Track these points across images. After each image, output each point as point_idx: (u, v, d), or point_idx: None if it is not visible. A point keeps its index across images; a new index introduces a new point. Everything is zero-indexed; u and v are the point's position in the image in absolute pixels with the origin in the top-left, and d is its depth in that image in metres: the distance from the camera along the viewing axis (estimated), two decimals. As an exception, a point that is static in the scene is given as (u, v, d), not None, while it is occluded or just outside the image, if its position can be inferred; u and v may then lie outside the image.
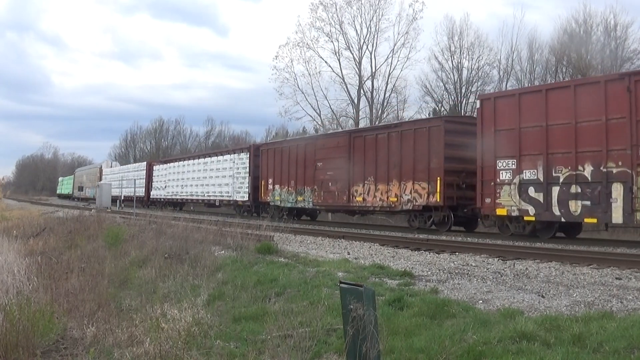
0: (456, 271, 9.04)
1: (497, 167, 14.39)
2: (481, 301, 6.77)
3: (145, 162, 43.53)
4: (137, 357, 5.92)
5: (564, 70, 29.23)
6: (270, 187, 24.45)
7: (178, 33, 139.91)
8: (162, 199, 37.58)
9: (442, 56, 33.62)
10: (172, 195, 36.10)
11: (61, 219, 23.94)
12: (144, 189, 40.67)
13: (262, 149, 25.97)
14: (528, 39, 31.35)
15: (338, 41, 36.59)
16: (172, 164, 37.14)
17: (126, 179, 44.12)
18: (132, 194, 40.80)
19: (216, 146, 59.85)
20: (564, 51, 28.41)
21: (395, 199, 17.69)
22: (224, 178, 28.68)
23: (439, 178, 16.23)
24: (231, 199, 27.95)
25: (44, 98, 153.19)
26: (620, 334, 4.92)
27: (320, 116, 38.70)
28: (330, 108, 37.99)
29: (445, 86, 34.06)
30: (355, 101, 37.37)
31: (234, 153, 28.47)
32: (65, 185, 72.84)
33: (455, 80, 33.28)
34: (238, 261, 10.91)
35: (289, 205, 23.04)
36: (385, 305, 6.57)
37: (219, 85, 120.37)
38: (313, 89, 37.52)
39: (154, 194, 39.55)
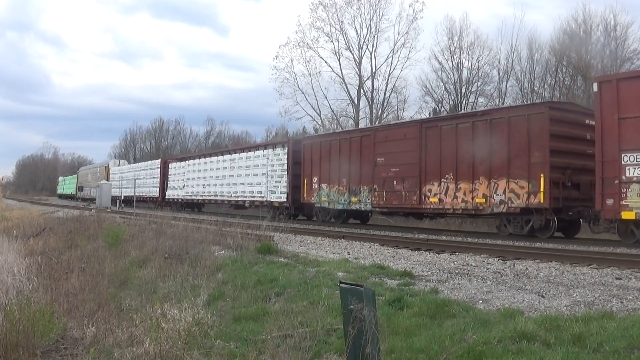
0: (456, 271, 9.04)
1: (623, 162, 12.07)
2: (481, 301, 6.77)
3: (159, 160, 40.66)
4: (137, 357, 5.92)
5: (564, 70, 29.24)
6: (315, 186, 21.66)
7: (178, 33, 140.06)
8: (179, 200, 34.85)
9: (442, 56, 33.67)
10: (191, 196, 32.98)
11: (61, 219, 23.93)
12: (158, 189, 38.20)
13: (304, 144, 22.99)
14: (528, 38, 31.40)
15: (338, 41, 36.65)
16: (191, 162, 33.92)
17: (138, 178, 41.22)
18: (143, 194, 39.59)
19: (216, 146, 59.07)
20: (564, 51, 28.41)
21: (484, 200, 15.08)
22: (256, 176, 25.69)
23: (542, 175, 13.78)
24: (264, 199, 24.84)
25: (44, 98, 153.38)
26: (620, 334, 4.92)
27: (320, 116, 38.74)
28: (330, 108, 38.03)
29: (445, 86, 34.10)
30: (355, 101, 37.41)
31: (269, 148, 25.37)
32: (67, 185, 70.98)
33: (455, 80, 33.32)
34: (238, 261, 10.91)
35: (340, 207, 20.45)
36: (386, 305, 6.57)
37: (219, 85, 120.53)
38: (313, 89, 37.56)
39: (170, 194, 36.35)
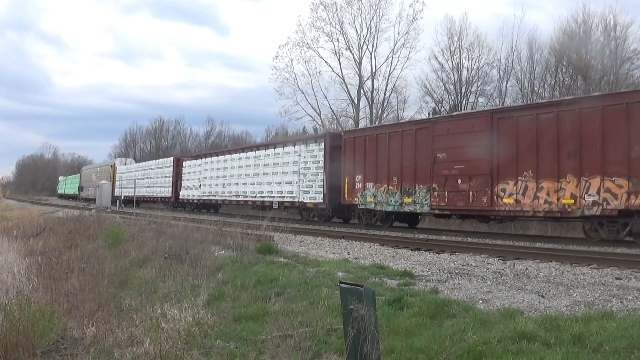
0: (456, 271, 9.04)
1: None
2: (481, 301, 6.77)
3: (171, 158, 37.84)
4: (137, 357, 5.92)
5: (564, 70, 29.25)
6: (359, 185, 19.37)
7: (179, 33, 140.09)
8: (194, 200, 32.52)
9: (442, 56, 33.65)
10: (208, 196, 30.56)
11: (61, 219, 23.93)
12: (170, 189, 35.70)
13: (345, 138, 20.49)
14: (528, 38, 31.41)
15: (338, 41, 36.62)
16: (209, 159, 31.47)
17: (148, 177, 39.63)
18: (154, 194, 37.78)
19: (216, 146, 58.14)
20: (564, 51, 28.42)
21: (572, 201, 13.22)
22: (286, 175, 23.31)
23: None
24: (296, 200, 22.57)
25: (45, 98, 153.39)
26: (620, 334, 4.92)
27: (320, 116, 38.69)
28: (330, 108, 38.00)
29: (445, 86, 34.09)
30: (355, 101, 37.41)
31: (302, 144, 22.94)
32: (69, 185, 68.44)
33: (455, 80, 33.31)
34: (238, 261, 10.91)
35: (390, 208, 18.20)
36: (385, 305, 6.57)
37: (220, 85, 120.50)
38: (313, 89, 37.51)
39: (184, 194, 33.96)
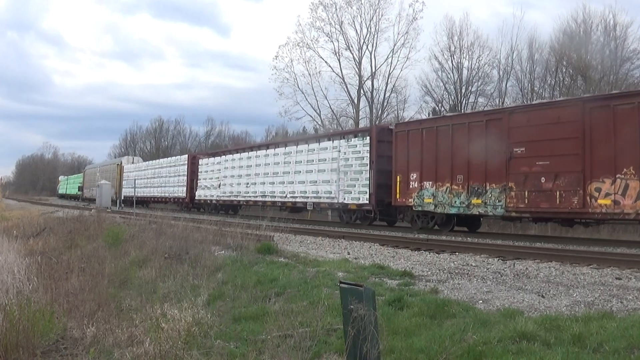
0: (456, 271, 9.04)
1: None
2: (481, 301, 6.77)
3: (186, 156, 35.39)
4: (137, 357, 5.92)
5: (564, 70, 29.26)
6: (414, 184, 17.28)
7: (179, 32, 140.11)
8: (212, 201, 30.22)
9: (442, 56, 33.71)
10: (229, 196, 28.28)
11: (61, 219, 23.94)
12: (185, 189, 33.41)
13: (397, 132, 18.24)
14: (528, 38, 31.44)
15: (338, 41, 36.61)
16: (230, 157, 29.11)
17: (159, 176, 37.44)
18: (166, 195, 35.84)
19: (216, 146, 57.16)
20: (563, 51, 28.43)
21: None
22: (323, 173, 21.02)
23: None
24: (335, 201, 20.37)
25: (45, 98, 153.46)
26: (620, 334, 4.92)
27: (320, 116, 38.67)
28: (330, 108, 37.99)
29: (445, 86, 34.14)
30: (355, 101, 37.42)
31: (340, 138, 20.85)
32: (70, 185, 66.01)
33: (455, 80, 33.35)
34: (238, 261, 10.91)
35: (454, 210, 16.13)
36: (385, 305, 6.57)
37: (220, 85, 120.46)
38: (313, 89, 37.48)
39: (200, 194, 31.57)
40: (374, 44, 36.48)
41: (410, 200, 17.37)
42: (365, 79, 36.96)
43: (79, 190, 57.94)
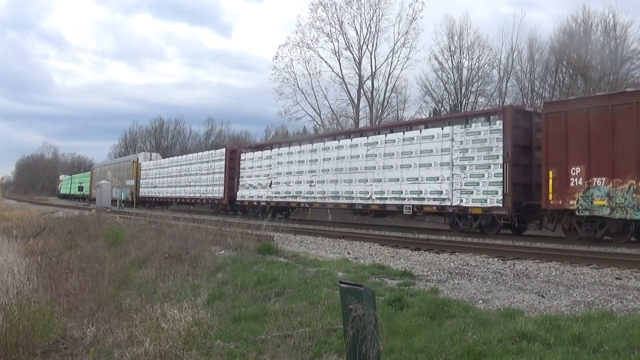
0: (456, 271, 9.04)
1: None
2: (481, 301, 6.77)
3: (223, 150, 30.77)
4: (137, 357, 5.92)
5: (564, 70, 29.28)
6: (577, 181, 13.37)
7: (180, 32, 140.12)
8: (260, 203, 25.69)
9: (442, 56, 33.72)
10: (285, 197, 24.03)
11: (61, 219, 23.94)
12: (222, 188, 29.05)
13: (548, 114, 14.29)
14: (528, 38, 31.45)
15: (338, 41, 36.56)
16: (285, 149, 24.71)
17: (187, 174, 33.32)
18: (196, 195, 31.70)
19: (216, 146, 53.94)
20: (563, 51, 28.45)
21: None
22: (427, 168, 17.08)
23: None
24: (447, 203, 16.42)
25: (45, 98, 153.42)
26: (620, 334, 4.92)
27: (320, 116, 38.60)
28: (330, 108, 37.95)
29: (445, 86, 34.16)
30: (355, 101, 37.42)
31: (457, 124, 16.81)
32: (75, 185, 60.96)
33: (455, 80, 33.38)
34: (238, 261, 10.92)
35: None
36: (385, 305, 6.57)
37: (221, 85, 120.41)
38: (313, 89, 37.41)
39: (243, 195, 27.15)
40: (374, 44, 36.50)
41: (571, 202, 13.47)
42: (365, 79, 36.98)
43: (79, 190, 56.15)
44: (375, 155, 19.00)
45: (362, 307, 4.39)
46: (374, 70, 36.68)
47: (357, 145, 20.02)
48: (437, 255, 11.30)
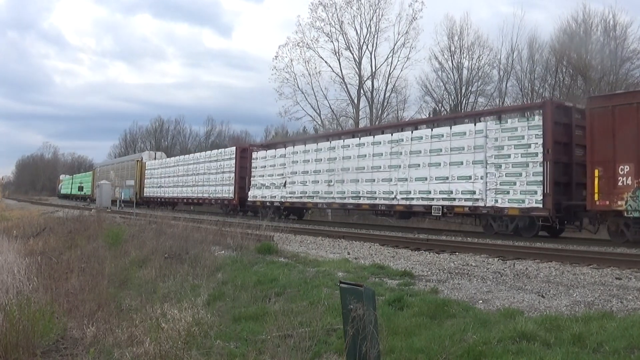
0: (456, 271, 9.04)
1: None
2: (481, 301, 6.77)
3: (233, 148, 29.80)
4: (137, 357, 5.92)
5: (564, 70, 29.28)
6: (626, 180, 12.67)
7: (180, 32, 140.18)
8: (273, 203, 24.66)
9: (442, 56, 33.71)
10: (300, 197, 22.85)
11: (61, 219, 23.94)
12: (232, 188, 28.11)
13: (592, 109, 13.66)
14: (528, 38, 31.46)
15: (338, 41, 36.56)
16: (301, 148, 23.52)
17: (194, 174, 32.54)
18: (205, 195, 30.84)
19: (216, 146, 53.00)
20: (564, 51, 28.45)
21: None
22: (458, 167, 16.28)
23: None
24: (480, 204, 15.60)
25: (45, 98, 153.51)
26: (620, 334, 4.92)
27: (320, 116, 38.60)
28: (330, 108, 37.95)
29: (445, 86, 34.16)
30: (355, 101, 37.42)
31: (491, 119, 15.87)
32: (75, 185, 60.62)
33: (456, 80, 33.37)
34: (238, 261, 10.92)
35: None
36: (385, 305, 6.57)
37: (221, 85, 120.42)
38: (313, 89, 37.39)
39: (255, 195, 26.09)
40: (374, 44, 36.49)
41: (619, 202, 12.72)
42: (365, 79, 36.99)
43: (79, 190, 56.06)
44: (400, 154, 18.17)
45: (362, 307, 4.39)
46: (374, 70, 36.72)
47: (380, 143, 19.13)
48: (437, 255, 11.30)
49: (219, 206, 30.56)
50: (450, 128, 16.83)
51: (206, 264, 10.79)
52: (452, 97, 33.81)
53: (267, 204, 25.08)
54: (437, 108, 34.42)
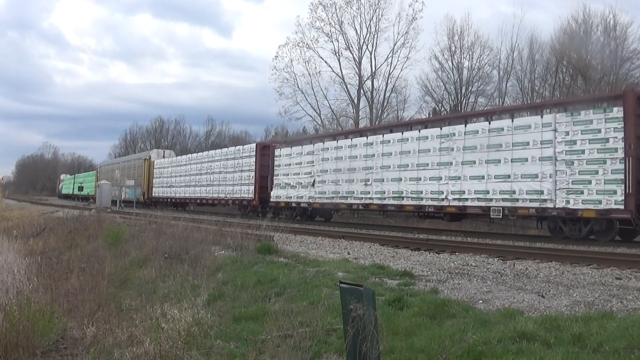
0: (456, 271, 9.04)
1: None
2: (481, 301, 6.77)
3: (253, 145, 27.63)
4: (137, 357, 5.92)
5: (564, 70, 29.27)
6: None
7: (180, 32, 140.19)
8: (300, 204, 22.99)
9: (442, 56, 33.72)
10: (332, 198, 21.09)
11: (61, 219, 23.94)
12: (252, 188, 26.28)
13: None
14: (529, 38, 31.46)
15: (338, 41, 36.58)
16: (332, 144, 21.68)
17: (209, 172, 30.58)
18: (221, 195, 28.99)
19: (216, 147, 52.13)
20: (564, 51, 28.45)
21: None
22: (522, 164, 14.76)
23: None
24: (549, 205, 14.10)
25: (45, 98, 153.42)
26: (620, 334, 4.92)
27: (320, 116, 38.60)
28: (330, 108, 37.96)
29: (445, 86, 34.17)
30: (355, 101, 37.43)
31: (561, 112, 14.51)
32: (77, 185, 58.75)
33: (456, 80, 33.37)
34: (238, 261, 10.92)
35: None
36: (385, 305, 6.57)
37: (221, 84, 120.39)
38: (313, 89, 37.40)
39: (279, 195, 24.17)
40: (374, 44, 36.51)
41: None
42: (365, 79, 37.01)
43: (79, 190, 55.60)
44: (451, 150, 16.58)
45: (362, 307, 4.39)
46: (374, 70, 36.74)
47: (427, 138, 17.44)
48: (437, 255, 11.29)
49: (237, 207, 28.72)
50: (512, 121, 15.26)
51: (206, 264, 10.79)
52: (452, 97, 33.83)
53: (293, 204, 23.42)
54: (437, 108, 34.43)
